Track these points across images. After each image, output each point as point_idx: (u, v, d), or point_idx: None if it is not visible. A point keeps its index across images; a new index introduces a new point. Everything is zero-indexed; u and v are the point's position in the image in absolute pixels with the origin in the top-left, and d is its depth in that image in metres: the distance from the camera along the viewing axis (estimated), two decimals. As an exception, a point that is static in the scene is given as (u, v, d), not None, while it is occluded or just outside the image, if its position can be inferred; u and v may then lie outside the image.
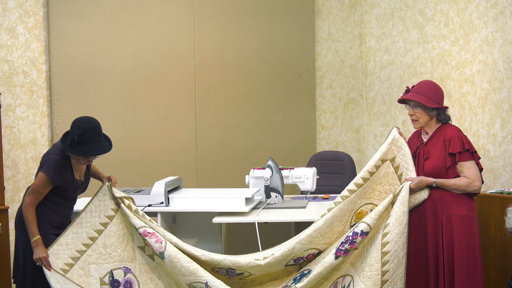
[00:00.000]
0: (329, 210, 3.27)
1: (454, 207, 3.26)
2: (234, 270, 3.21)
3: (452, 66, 4.90)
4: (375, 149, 5.65)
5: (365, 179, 3.30)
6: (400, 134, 3.40)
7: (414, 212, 3.32)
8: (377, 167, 3.32)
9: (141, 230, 3.24)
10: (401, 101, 3.47)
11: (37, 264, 3.16)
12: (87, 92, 4.95)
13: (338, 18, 5.83)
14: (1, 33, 4.66)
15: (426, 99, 3.33)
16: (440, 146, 3.32)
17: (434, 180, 3.26)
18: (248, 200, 3.75)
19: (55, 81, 4.85)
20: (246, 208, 3.66)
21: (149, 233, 3.22)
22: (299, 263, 3.29)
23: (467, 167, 3.27)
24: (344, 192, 3.30)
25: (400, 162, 3.33)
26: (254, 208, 3.80)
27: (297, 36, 5.65)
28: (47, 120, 4.81)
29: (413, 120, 3.41)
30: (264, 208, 3.83)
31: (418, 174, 3.33)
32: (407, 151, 3.34)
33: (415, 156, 3.39)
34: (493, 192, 4.08)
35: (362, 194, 3.30)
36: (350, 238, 3.13)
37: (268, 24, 5.54)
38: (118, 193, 3.35)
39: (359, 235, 3.12)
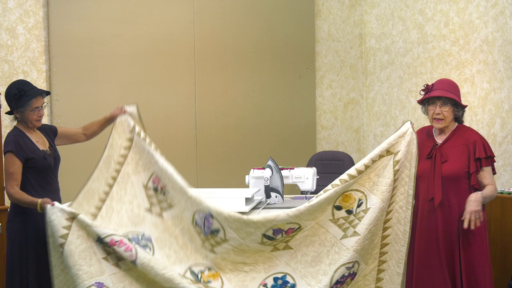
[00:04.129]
0: (325, 191, 3.19)
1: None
2: (212, 220, 3.11)
3: (452, 66, 4.90)
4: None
5: (367, 166, 3.22)
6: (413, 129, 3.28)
7: (424, 222, 3.26)
8: (381, 156, 3.23)
9: (107, 239, 3.02)
10: (424, 99, 3.34)
11: (47, 204, 2.99)
12: (87, 92, 4.94)
13: (338, 18, 5.83)
14: (1, 33, 4.66)
15: (458, 98, 3.26)
16: (461, 149, 3.23)
17: (482, 194, 3.15)
18: (248, 200, 3.75)
19: (55, 81, 4.85)
20: (246, 208, 3.65)
21: (117, 241, 3.03)
22: (276, 239, 3.16)
23: (488, 172, 3.22)
24: (344, 176, 3.22)
25: (400, 158, 3.22)
26: (254, 208, 3.80)
27: (297, 36, 5.65)
28: (47, 120, 4.80)
29: (438, 119, 3.27)
30: (264, 208, 3.83)
31: (434, 178, 3.22)
32: (414, 150, 3.20)
33: (429, 157, 3.28)
34: (493, 192, 4.08)
35: (358, 179, 3.23)
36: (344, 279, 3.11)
37: (268, 24, 5.54)
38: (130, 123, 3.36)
39: (351, 277, 3.10)
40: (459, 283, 3.17)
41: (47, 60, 4.84)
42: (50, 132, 3.51)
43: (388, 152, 3.22)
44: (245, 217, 3.08)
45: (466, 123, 4.76)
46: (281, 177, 4.00)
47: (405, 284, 3.27)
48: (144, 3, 5.11)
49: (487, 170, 3.21)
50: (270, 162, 3.99)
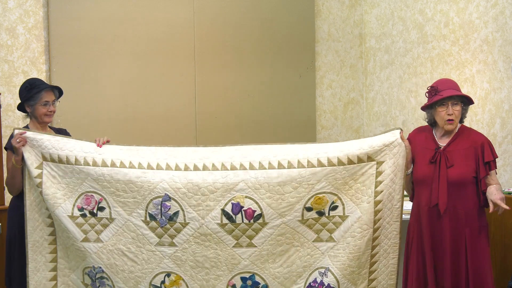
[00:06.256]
0: (289, 166, 2.99)
1: (479, 219, 3.03)
2: (169, 204, 3.01)
3: (452, 66, 4.90)
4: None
5: (340, 163, 2.98)
6: (402, 139, 3.09)
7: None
8: (360, 160, 3.00)
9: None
10: (433, 102, 3.12)
11: (18, 142, 3.10)
12: (87, 92, 4.94)
13: (338, 18, 5.83)
14: (1, 33, 4.66)
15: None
16: (467, 152, 3.03)
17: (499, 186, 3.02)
18: (248, 200, 3.74)
19: (55, 81, 4.84)
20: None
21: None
22: (236, 221, 3.01)
23: (494, 175, 3.06)
24: (313, 160, 2.98)
25: (385, 170, 3.01)
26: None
27: (297, 36, 5.65)
28: (47, 120, 4.80)
29: (450, 120, 3.05)
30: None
31: (440, 183, 2.99)
32: (401, 162, 3.03)
33: (433, 162, 3.05)
34: (493, 192, 4.08)
35: (332, 180, 3.00)
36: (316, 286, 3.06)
37: (268, 24, 5.54)
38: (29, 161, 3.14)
39: (324, 286, 3.04)
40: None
41: (47, 60, 4.84)
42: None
43: (369, 159, 3.01)
44: (204, 186, 3.03)
45: (466, 123, 4.76)
46: (281, 177, 3.98)
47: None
48: (144, 3, 5.11)
49: (493, 173, 3.05)
50: (270, 162, 3.97)
